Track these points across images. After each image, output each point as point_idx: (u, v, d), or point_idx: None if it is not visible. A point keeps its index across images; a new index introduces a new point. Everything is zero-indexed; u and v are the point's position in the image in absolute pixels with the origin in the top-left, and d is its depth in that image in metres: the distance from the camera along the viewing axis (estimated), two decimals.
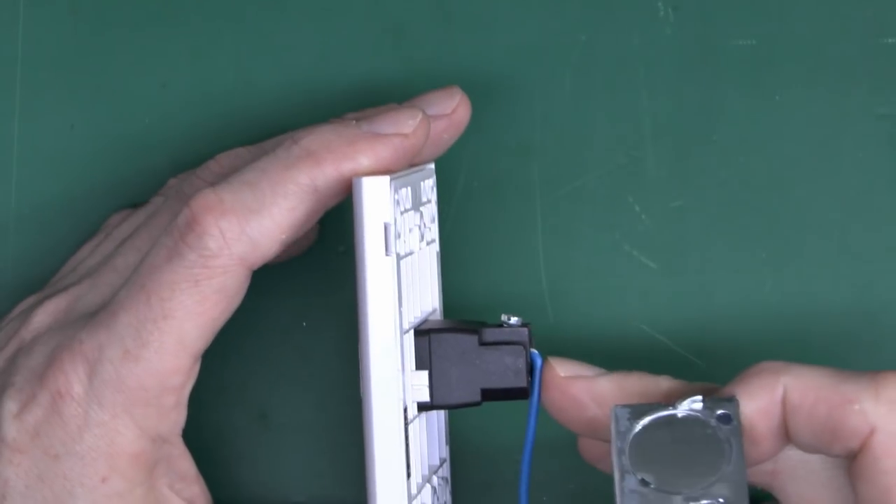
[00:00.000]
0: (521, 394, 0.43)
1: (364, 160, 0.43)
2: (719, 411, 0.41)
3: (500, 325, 0.43)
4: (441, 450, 0.47)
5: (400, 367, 0.41)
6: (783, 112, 0.50)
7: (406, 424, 0.41)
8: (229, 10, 0.51)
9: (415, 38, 0.51)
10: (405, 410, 0.41)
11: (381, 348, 0.41)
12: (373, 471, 0.41)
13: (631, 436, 0.41)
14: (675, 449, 0.41)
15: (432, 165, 0.47)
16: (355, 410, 0.50)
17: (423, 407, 0.43)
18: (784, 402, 0.41)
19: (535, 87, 0.51)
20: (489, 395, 0.43)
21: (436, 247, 0.47)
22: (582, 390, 0.43)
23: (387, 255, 0.40)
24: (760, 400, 0.41)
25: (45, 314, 0.45)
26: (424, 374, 0.42)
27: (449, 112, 0.46)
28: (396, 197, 0.41)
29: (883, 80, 0.50)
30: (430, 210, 0.47)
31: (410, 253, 0.43)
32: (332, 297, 0.50)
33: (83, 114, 0.51)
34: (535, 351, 0.43)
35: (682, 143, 0.50)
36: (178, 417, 0.44)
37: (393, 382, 0.41)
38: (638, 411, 0.41)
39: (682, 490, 0.41)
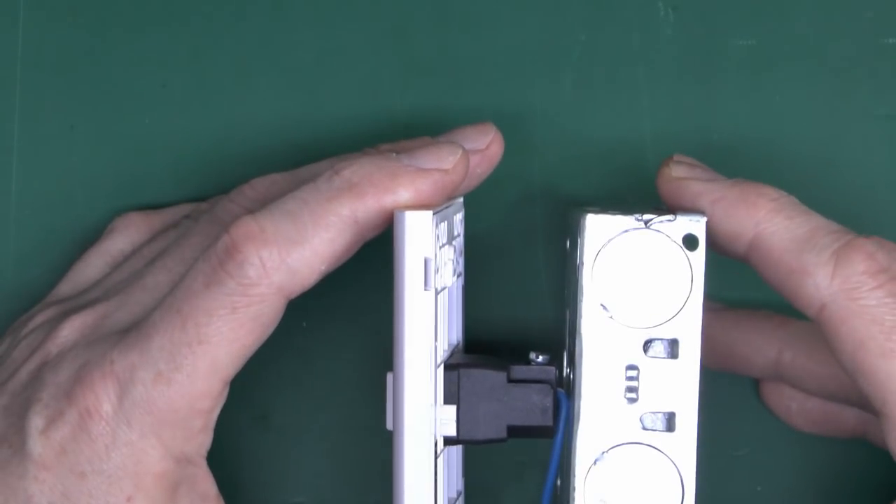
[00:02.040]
0: (547, 432, 0.43)
1: (405, 194, 0.43)
2: (686, 232, 0.41)
3: (528, 362, 0.43)
4: (458, 482, 0.47)
5: (433, 403, 0.41)
6: (783, 112, 0.50)
7: (436, 459, 0.41)
8: (229, 11, 0.51)
9: (415, 39, 0.51)
10: (436, 445, 0.41)
11: (417, 383, 0.40)
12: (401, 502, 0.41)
13: (597, 254, 0.41)
14: (638, 274, 0.41)
15: (461, 199, 0.47)
16: (355, 411, 0.51)
17: (449, 441, 0.43)
18: (752, 244, 0.42)
19: (535, 87, 0.51)
20: (515, 432, 0.43)
21: (462, 280, 0.48)
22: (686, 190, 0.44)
23: (426, 289, 0.40)
24: (730, 228, 0.43)
25: (71, 329, 0.45)
26: (452, 408, 0.42)
27: (483, 148, 0.46)
28: (437, 232, 0.41)
29: (883, 80, 0.50)
30: (460, 243, 0.47)
31: (445, 287, 0.43)
32: (333, 297, 0.50)
33: (83, 114, 0.51)
34: (561, 391, 0.43)
35: (682, 143, 0.50)
36: (205, 440, 0.44)
37: (426, 417, 0.41)
38: (607, 223, 0.42)
39: (639, 325, 0.41)
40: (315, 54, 0.51)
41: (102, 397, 0.43)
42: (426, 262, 0.40)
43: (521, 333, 0.51)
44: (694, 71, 0.50)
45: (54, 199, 0.51)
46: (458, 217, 0.47)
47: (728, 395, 0.50)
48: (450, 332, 0.46)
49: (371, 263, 0.49)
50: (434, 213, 0.41)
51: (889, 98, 0.50)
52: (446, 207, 0.44)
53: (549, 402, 0.43)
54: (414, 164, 0.43)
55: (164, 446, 0.43)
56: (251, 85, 0.51)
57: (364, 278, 0.50)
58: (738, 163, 0.50)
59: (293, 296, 0.43)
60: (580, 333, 0.42)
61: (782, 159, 0.50)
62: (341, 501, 0.51)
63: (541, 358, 0.44)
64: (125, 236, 0.49)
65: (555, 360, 0.44)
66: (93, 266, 0.49)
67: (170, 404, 0.42)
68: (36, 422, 0.43)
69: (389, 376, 0.42)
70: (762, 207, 0.42)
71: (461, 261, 0.48)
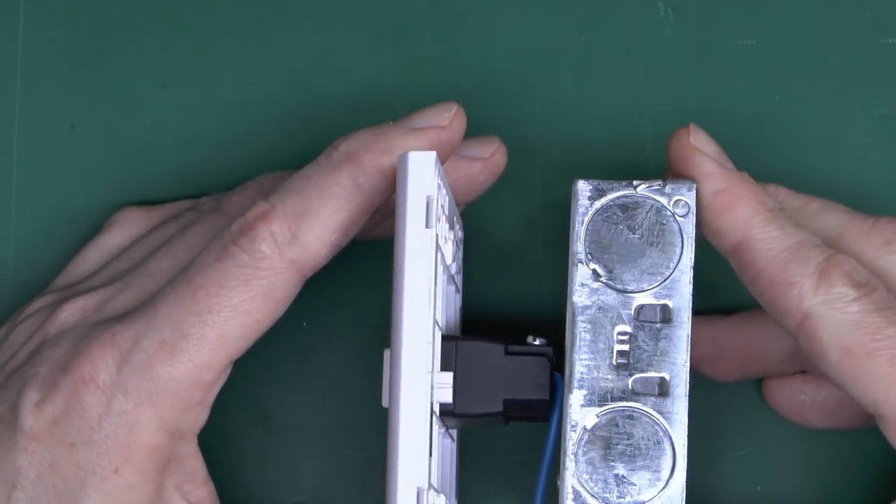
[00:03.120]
0: (542, 408, 0.43)
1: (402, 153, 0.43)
2: (676, 198, 0.42)
3: (525, 344, 0.44)
4: (453, 488, 0.47)
5: (432, 339, 0.40)
6: (783, 112, 0.50)
7: (432, 413, 0.40)
8: (229, 11, 0.51)
9: (415, 39, 0.51)
10: (432, 408, 0.40)
11: (416, 323, 0.40)
12: (396, 450, 0.40)
13: (588, 219, 0.42)
14: (629, 239, 0.42)
15: (460, 221, 0.47)
16: (355, 411, 0.51)
17: (445, 412, 0.42)
18: (738, 246, 0.43)
19: (535, 87, 0.51)
20: (511, 407, 0.43)
21: (460, 300, 0.48)
22: (693, 159, 0.44)
23: (427, 227, 0.40)
24: (722, 224, 0.43)
25: (72, 310, 0.45)
26: (449, 374, 0.42)
27: (486, 156, 0.46)
28: (439, 181, 0.41)
29: (883, 80, 0.50)
30: (459, 258, 0.47)
31: (446, 261, 0.43)
32: (333, 296, 0.50)
33: (83, 114, 0.51)
34: (557, 374, 0.43)
35: None
36: (200, 416, 0.44)
37: (423, 366, 0.40)
38: (599, 189, 0.42)
39: (630, 289, 0.42)
40: (315, 54, 0.51)
41: (100, 366, 0.43)
42: (428, 200, 0.40)
43: (519, 328, 0.50)
44: (694, 71, 0.50)
45: (54, 199, 0.51)
46: (460, 234, 0.47)
47: (728, 394, 0.50)
48: (447, 326, 0.46)
49: (370, 263, 0.49)
50: (436, 156, 0.40)
51: (889, 98, 0.50)
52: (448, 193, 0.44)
53: (545, 375, 0.43)
54: (409, 126, 0.44)
55: (160, 417, 0.43)
56: (251, 84, 0.51)
57: (363, 278, 0.50)
58: (737, 162, 0.50)
59: (307, 271, 0.43)
60: (572, 299, 0.42)
61: (782, 159, 0.50)
62: (341, 501, 0.51)
63: (538, 341, 0.44)
64: (124, 230, 0.49)
65: (552, 345, 0.44)
66: (90, 260, 0.49)
67: (171, 373, 0.42)
68: (30, 395, 0.43)
69: (386, 353, 0.41)
70: (758, 213, 0.43)
71: (459, 278, 0.48)
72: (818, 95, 0.50)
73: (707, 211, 0.43)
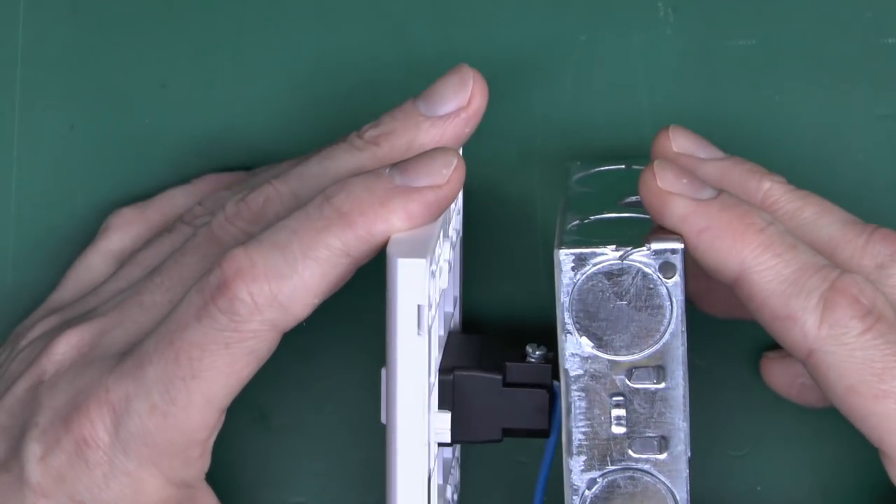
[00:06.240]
0: (542, 433, 0.43)
1: (397, 221, 0.41)
2: (662, 261, 0.41)
3: (523, 356, 0.43)
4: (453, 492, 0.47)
5: (426, 442, 0.40)
6: (783, 112, 0.50)
7: (430, 482, 0.41)
8: (229, 10, 0.51)
9: (415, 38, 0.51)
10: (429, 477, 0.41)
11: (410, 424, 0.40)
12: None
13: (574, 289, 0.41)
14: (617, 305, 0.41)
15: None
16: (355, 411, 0.51)
17: (442, 444, 0.42)
18: (737, 281, 0.41)
19: (535, 87, 0.51)
20: (510, 433, 0.43)
21: (459, 250, 0.47)
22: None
23: (419, 334, 0.40)
24: (715, 263, 0.41)
25: (67, 346, 0.45)
26: (447, 416, 0.42)
27: (465, 105, 0.45)
28: (432, 268, 0.40)
29: (883, 80, 0.50)
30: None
31: (441, 305, 0.43)
32: (333, 297, 0.50)
33: (83, 114, 0.51)
34: (556, 382, 0.43)
35: None
36: (203, 465, 0.44)
37: (420, 456, 0.40)
38: (582, 259, 0.41)
39: (622, 356, 0.41)
40: (315, 54, 0.51)
41: (98, 425, 0.42)
42: (419, 308, 0.40)
43: (517, 327, 0.50)
44: (694, 71, 0.50)
45: (54, 199, 0.51)
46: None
47: (728, 394, 0.50)
48: (446, 305, 0.45)
49: (370, 263, 0.49)
50: (428, 255, 0.40)
51: (889, 98, 0.50)
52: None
53: (545, 404, 0.43)
54: (406, 184, 0.42)
55: (163, 475, 0.43)
56: (251, 85, 0.51)
57: (364, 278, 0.50)
58: None
59: (287, 329, 0.42)
60: (564, 367, 0.41)
61: (782, 159, 0.50)
62: (341, 501, 0.51)
63: (538, 353, 0.43)
64: (123, 233, 0.49)
65: (551, 350, 0.43)
66: (94, 269, 0.49)
67: (166, 437, 0.42)
68: (33, 448, 0.43)
69: (383, 371, 0.41)
70: (749, 242, 0.41)
71: (458, 218, 0.47)
72: (818, 96, 0.50)
73: (696, 253, 0.41)
